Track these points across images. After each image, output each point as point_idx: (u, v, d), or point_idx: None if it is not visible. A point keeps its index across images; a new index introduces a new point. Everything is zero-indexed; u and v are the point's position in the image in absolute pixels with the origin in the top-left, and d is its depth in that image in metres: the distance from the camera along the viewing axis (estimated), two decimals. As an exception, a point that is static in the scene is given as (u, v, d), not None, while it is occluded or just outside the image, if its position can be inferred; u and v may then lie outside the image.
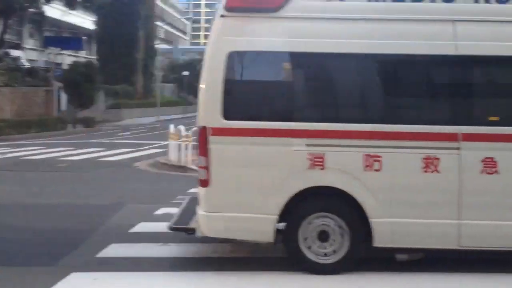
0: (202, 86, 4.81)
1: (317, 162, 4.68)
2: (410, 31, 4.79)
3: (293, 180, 4.72)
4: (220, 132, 4.69)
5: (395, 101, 4.95)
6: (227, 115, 4.69)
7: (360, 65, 4.90)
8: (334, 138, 4.71)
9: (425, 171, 4.66)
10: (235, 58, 4.79)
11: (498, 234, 4.69)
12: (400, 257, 4.89)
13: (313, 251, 4.80)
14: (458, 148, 4.64)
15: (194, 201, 5.52)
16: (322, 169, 4.69)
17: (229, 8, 4.76)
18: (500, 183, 4.67)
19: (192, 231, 5.01)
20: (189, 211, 5.51)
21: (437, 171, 4.66)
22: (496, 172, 4.64)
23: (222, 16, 4.79)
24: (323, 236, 4.80)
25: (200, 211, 4.85)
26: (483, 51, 4.74)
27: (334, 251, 4.79)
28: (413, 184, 4.71)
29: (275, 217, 4.72)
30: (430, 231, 4.73)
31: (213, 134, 4.69)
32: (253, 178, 4.76)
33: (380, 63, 4.92)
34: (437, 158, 4.65)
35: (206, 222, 4.82)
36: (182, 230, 5.19)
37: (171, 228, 5.23)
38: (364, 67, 4.90)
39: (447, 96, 4.95)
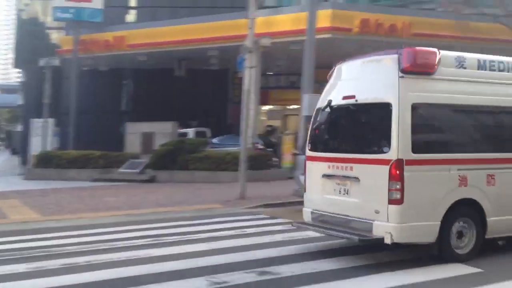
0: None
1: (463, 181, 6.58)
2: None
3: (450, 195, 6.51)
4: (411, 162, 6.31)
5: (504, 137, 7.26)
6: (414, 150, 6.35)
7: (486, 114, 7.19)
8: (472, 164, 6.71)
9: None
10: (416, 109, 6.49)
11: None
12: (500, 242, 7.22)
13: (453, 245, 6.55)
14: None
15: None
16: (465, 186, 6.61)
17: (405, 71, 6.46)
18: None
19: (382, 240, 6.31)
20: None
21: None
22: None
23: (401, 77, 6.46)
24: (460, 234, 6.59)
25: (392, 224, 6.23)
26: None
27: (466, 245, 6.63)
28: None
29: (439, 223, 6.40)
30: None
31: (406, 164, 6.27)
32: (429, 195, 6.43)
33: (498, 113, 7.26)
34: None
35: (399, 231, 6.23)
36: (372, 241, 6.52)
37: (360, 241, 6.56)
38: (488, 116, 7.23)
39: None
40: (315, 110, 7.88)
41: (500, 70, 7.26)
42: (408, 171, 6.24)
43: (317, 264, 6.56)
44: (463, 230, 6.62)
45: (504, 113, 7.24)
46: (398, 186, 6.20)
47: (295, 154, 16.25)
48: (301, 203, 11.77)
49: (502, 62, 7.33)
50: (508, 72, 7.31)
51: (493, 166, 6.86)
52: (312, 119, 7.93)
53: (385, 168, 6.29)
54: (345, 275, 6.06)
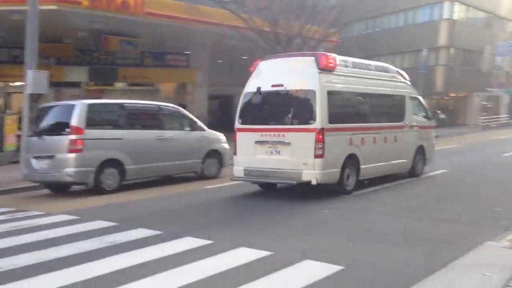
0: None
1: (351, 142, 9.97)
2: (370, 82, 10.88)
3: (345, 151, 9.81)
4: (328, 130, 9.39)
5: (369, 113, 10.83)
6: (329, 122, 9.45)
7: (360, 97, 10.62)
8: (354, 130, 10.09)
9: (374, 143, 10.66)
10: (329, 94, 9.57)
11: (383, 169, 11.15)
12: (366, 182, 10.65)
13: (345, 184, 9.87)
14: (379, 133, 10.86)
15: None
16: (351, 145, 9.98)
17: (320, 69, 9.55)
18: (390, 146, 11.21)
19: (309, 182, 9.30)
20: None
21: (376, 143, 10.70)
22: (389, 141, 11.16)
23: (319, 73, 9.52)
24: (347, 176, 9.96)
25: (317, 171, 9.25)
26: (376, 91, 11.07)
27: (351, 183, 10.02)
28: (375, 149, 10.66)
29: (340, 169, 9.69)
30: (378, 170, 10.87)
31: (326, 131, 9.33)
32: (336, 152, 9.59)
33: (364, 96, 10.73)
34: (377, 137, 10.77)
35: (321, 176, 9.27)
36: (304, 183, 9.42)
37: (298, 183, 9.61)
38: (362, 98, 10.67)
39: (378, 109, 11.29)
40: (244, 93, 10.36)
41: (364, 69, 10.87)
42: (326, 136, 9.31)
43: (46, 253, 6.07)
44: (350, 174, 9.95)
45: (368, 96, 10.79)
46: (320, 146, 9.23)
47: (19, 136, 14.74)
48: (34, 187, 11.71)
49: (366, 63, 11.13)
50: (369, 70, 11.03)
51: (364, 132, 10.35)
52: (242, 100, 10.37)
53: (312, 134, 9.24)
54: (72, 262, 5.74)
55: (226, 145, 13.42)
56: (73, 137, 10.37)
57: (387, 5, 32.84)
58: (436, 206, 8.92)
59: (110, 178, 10.83)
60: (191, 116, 13.24)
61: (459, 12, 43.87)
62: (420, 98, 13.25)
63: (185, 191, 11.20)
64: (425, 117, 12.94)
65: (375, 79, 11.09)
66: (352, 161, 10.01)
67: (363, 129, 10.38)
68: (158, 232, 7.03)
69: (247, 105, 10.33)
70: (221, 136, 13.54)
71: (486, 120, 40.33)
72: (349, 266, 5.39)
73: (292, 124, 9.66)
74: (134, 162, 11.18)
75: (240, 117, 10.34)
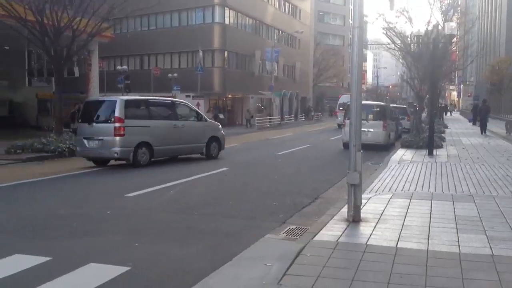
0: None
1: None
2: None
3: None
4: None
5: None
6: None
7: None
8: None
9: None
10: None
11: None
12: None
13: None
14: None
15: None
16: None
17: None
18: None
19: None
20: None
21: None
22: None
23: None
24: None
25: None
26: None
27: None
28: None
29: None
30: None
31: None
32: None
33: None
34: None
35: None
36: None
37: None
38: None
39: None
40: None
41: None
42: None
43: None
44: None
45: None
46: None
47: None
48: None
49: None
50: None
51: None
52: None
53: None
54: None
55: (223, 132, 18.19)
56: (117, 125, 14.48)
57: (162, 4, 33.48)
58: (217, 202, 9.44)
59: (143, 155, 14.99)
60: (196, 109, 18.07)
61: (230, 17, 47.08)
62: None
63: None
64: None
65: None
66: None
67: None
68: None
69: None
70: (219, 126, 18.38)
71: (261, 121, 44.04)
72: (135, 266, 5.40)
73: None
74: (159, 145, 15.47)
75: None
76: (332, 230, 6.58)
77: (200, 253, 6.03)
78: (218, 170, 13.92)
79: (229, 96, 48.43)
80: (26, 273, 5.26)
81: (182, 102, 18.14)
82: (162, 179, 11.86)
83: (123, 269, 5.31)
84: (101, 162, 15.52)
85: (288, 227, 7.16)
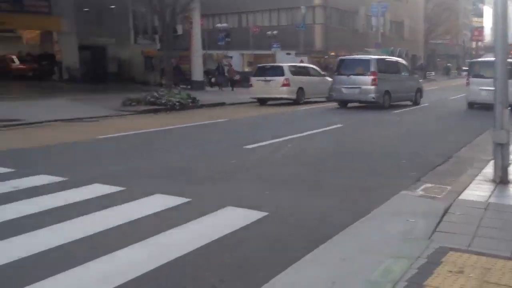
0: None
1: None
2: None
3: None
4: None
5: None
6: None
7: None
8: None
9: None
10: None
11: None
12: None
13: None
14: None
15: None
16: None
17: None
18: None
19: None
20: None
21: None
22: None
23: None
24: None
25: None
26: None
27: None
28: None
29: None
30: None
31: None
32: None
33: None
34: None
35: None
36: None
37: None
38: None
39: None
40: None
41: None
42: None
43: None
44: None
45: None
46: None
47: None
48: None
49: None
50: None
51: None
52: None
53: None
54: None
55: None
56: (372, 77, 18.97)
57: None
58: (340, 158, 9.27)
59: (387, 99, 19.61)
60: (408, 66, 23.38)
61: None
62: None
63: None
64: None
65: None
66: None
67: None
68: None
69: None
70: (420, 79, 24.99)
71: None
72: (272, 212, 5.39)
73: None
74: (394, 92, 20.00)
75: None
76: (478, 191, 6.16)
77: (335, 205, 5.89)
78: (333, 127, 13.72)
79: (332, 53, 47.50)
80: (171, 211, 5.47)
81: (400, 60, 23.37)
82: (275, 135, 11.73)
83: (261, 213, 5.30)
84: (345, 104, 20.54)
85: (424, 185, 6.82)
